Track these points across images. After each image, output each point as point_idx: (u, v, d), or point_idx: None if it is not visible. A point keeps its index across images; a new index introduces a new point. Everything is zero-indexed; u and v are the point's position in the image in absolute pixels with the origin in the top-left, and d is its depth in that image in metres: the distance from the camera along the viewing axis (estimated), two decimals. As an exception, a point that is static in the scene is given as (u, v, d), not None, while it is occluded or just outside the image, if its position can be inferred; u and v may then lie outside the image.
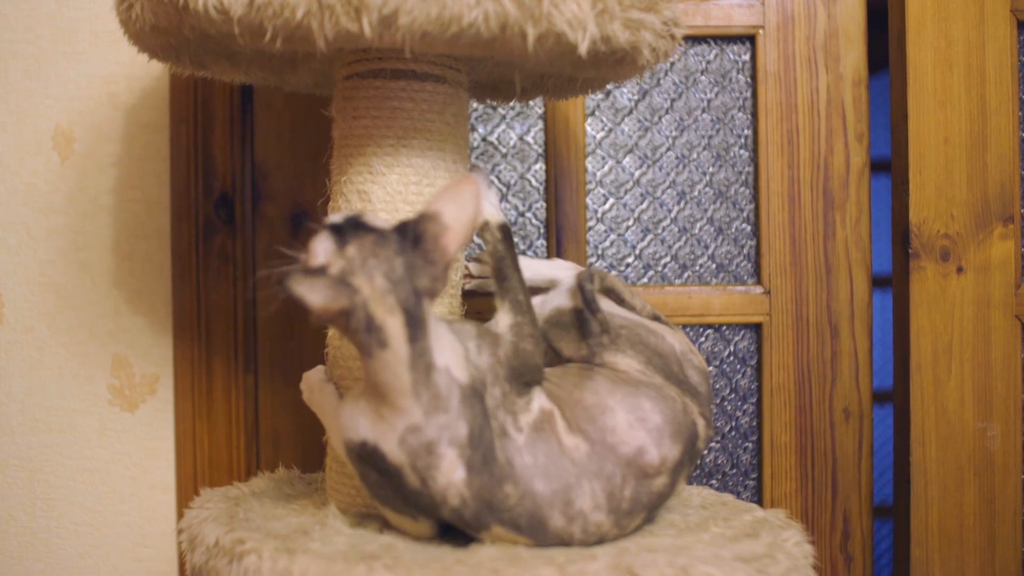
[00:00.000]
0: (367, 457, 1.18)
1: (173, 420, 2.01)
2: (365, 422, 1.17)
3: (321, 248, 1.12)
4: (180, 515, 1.91)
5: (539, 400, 1.26)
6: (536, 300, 1.44)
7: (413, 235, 1.14)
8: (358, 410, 1.18)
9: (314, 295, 1.07)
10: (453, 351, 1.19)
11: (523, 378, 1.25)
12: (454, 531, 1.24)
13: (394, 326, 1.11)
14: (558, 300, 1.44)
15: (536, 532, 1.21)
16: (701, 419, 1.33)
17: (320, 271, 1.10)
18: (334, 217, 1.15)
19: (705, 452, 2.03)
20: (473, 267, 1.49)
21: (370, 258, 1.10)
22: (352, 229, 1.13)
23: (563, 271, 1.50)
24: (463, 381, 1.18)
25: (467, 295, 1.51)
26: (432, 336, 1.16)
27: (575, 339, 1.38)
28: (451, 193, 1.16)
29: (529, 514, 1.20)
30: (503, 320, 1.30)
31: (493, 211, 1.35)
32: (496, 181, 2.06)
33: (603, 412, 1.25)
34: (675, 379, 1.34)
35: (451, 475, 1.16)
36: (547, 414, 1.25)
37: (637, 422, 1.25)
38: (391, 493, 1.20)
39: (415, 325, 1.12)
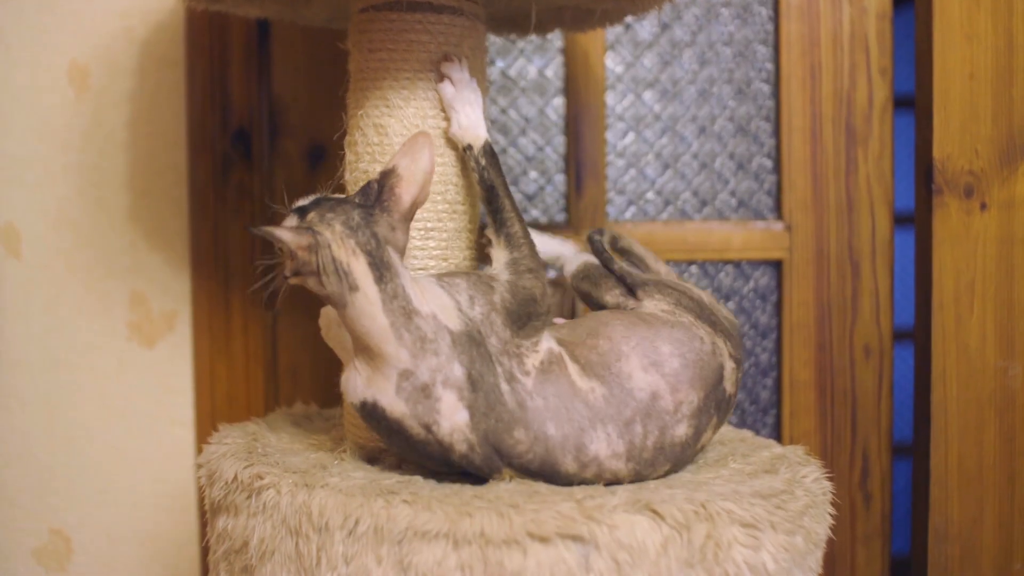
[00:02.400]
0: (371, 415, 1.18)
1: (191, 356, 2.01)
2: (361, 381, 1.18)
3: (287, 223, 1.19)
4: (198, 450, 1.92)
5: (547, 343, 1.25)
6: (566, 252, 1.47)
7: (374, 191, 1.21)
8: (354, 372, 1.20)
9: (283, 233, 1.14)
10: (440, 302, 1.21)
11: (526, 316, 1.25)
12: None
13: (359, 267, 1.15)
14: (585, 256, 1.44)
15: (549, 478, 1.21)
16: (731, 361, 1.32)
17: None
18: (299, 201, 1.22)
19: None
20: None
21: (327, 213, 1.17)
22: (313, 204, 1.20)
23: (570, 248, 1.50)
24: (454, 328, 1.19)
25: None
26: (406, 283, 1.18)
27: (611, 287, 1.38)
28: (406, 147, 1.22)
29: (541, 459, 1.20)
30: (499, 257, 1.30)
31: (476, 130, 1.36)
32: (516, 115, 2.04)
33: (618, 358, 1.24)
34: (707, 319, 1.32)
35: (453, 418, 1.16)
36: (556, 356, 1.24)
37: (652, 366, 1.24)
38: (405, 448, 1.20)
39: (380, 267, 1.16)
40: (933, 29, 1.89)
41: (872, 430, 2.03)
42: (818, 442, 2.03)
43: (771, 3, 2.05)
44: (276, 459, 1.29)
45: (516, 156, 2.05)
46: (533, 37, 2.01)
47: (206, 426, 1.98)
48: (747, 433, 1.54)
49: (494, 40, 2.03)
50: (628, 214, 2.06)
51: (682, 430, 1.25)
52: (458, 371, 1.16)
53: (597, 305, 1.38)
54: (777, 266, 2.05)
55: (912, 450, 1.99)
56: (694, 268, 2.07)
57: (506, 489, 1.17)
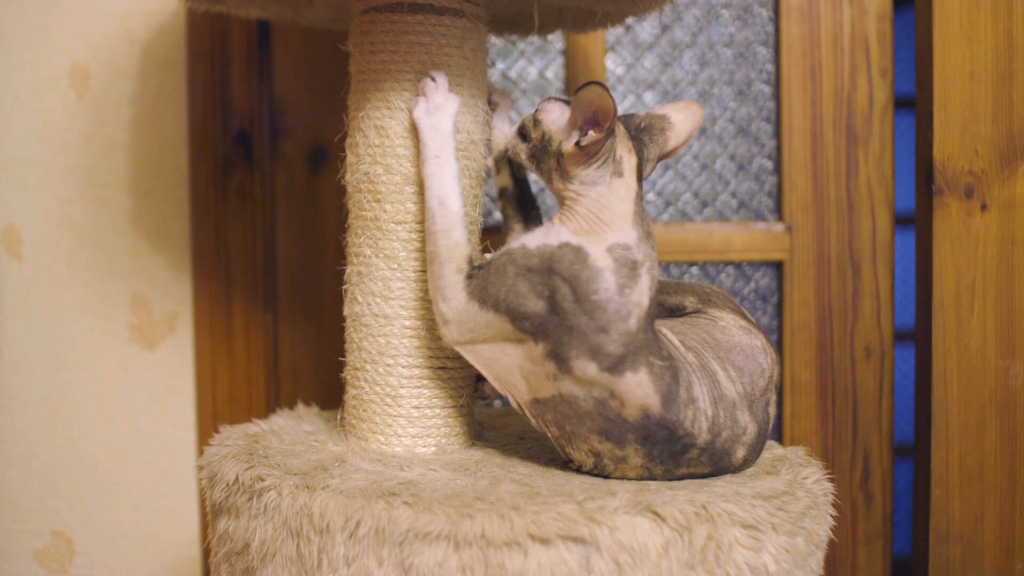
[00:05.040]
0: (560, 258, 1.23)
1: (192, 358, 2.01)
2: (568, 233, 1.25)
3: (554, 106, 1.29)
4: (200, 452, 1.93)
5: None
6: None
7: (636, 124, 1.32)
8: (558, 228, 1.26)
9: (611, 108, 1.21)
10: None
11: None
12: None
13: (630, 162, 1.27)
14: None
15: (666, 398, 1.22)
16: (773, 394, 1.36)
17: None
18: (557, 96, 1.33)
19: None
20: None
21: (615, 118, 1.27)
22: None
23: None
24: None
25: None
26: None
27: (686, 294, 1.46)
28: (682, 106, 1.37)
29: (671, 376, 1.22)
30: None
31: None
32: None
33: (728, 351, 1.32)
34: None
35: (642, 297, 1.23)
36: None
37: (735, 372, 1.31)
38: (573, 302, 1.21)
39: (640, 173, 1.29)
40: (933, 30, 1.89)
41: (873, 431, 2.03)
42: (819, 443, 2.03)
43: (771, 4, 2.06)
44: (277, 461, 1.29)
45: (517, 157, 2.05)
46: (534, 39, 2.01)
47: (207, 427, 1.99)
48: (748, 434, 1.54)
49: (495, 42, 2.03)
50: (629, 215, 2.06)
51: (741, 453, 1.29)
52: (657, 270, 1.27)
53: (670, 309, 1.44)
54: (778, 267, 2.05)
55: (913, 451, 1.99)
56: (695, 269, 2.07)
57: (507, 491, 1.17)
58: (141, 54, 2.00)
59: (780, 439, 2.04)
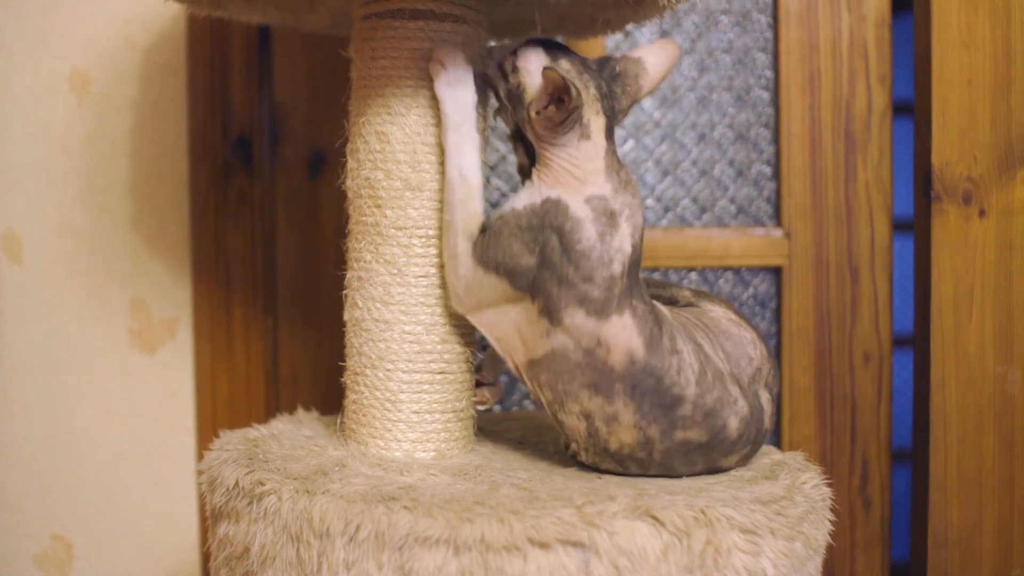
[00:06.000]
0: (544, 213, 1.27)
1: (192, 362, 2.02)
2: (547, 188, 1.29)
3: (534, 54, 1.31)
4: (199, 457, 1.92)
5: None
6: None
7: (612, 70, 1.34)
8: (538, 185, 1.30)
9: (572, 88, 1.23)
10: None
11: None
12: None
13: (597, 123, 1.29)
14: None
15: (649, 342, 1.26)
16: (766, 392, 1.38)
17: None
18: (532, 36, 1.34)
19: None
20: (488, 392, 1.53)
21: (583, 73, 1.30)
22: (557, 48, 1.32)
23: None
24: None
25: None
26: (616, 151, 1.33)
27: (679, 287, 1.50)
28: (656, 47, 1.37)
29: (653, 321, 1.27)
30: None
31: None
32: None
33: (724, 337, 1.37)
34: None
35: (623, 243, 1.26)
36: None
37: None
38: (559, 253, 1.25)
39: (610, 131, 1.31)
40: (932, 36, 1.90)
41: (871, 436, 2.03)
42: (817, 448, 2.03)
43: (770, 10, 2.06)
44: (277, 465, 1.29)
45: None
46: (533, 44, 2.01)
47: (207, 432, 1.99)
48: (747, 439, 1.54)
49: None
50: (628, 220, 2.06)
51: (735, 423, 1.30)
52: (638, 218, 1.29)
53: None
54: (776, 273, 2.06)
55: (911, 456, 2.00)
56: (694, 275, 2.07)
57: (506, 495, 1.17)
58: (142, 59, 2.00)
59: (779, 444, 2.04)
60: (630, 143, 2.05)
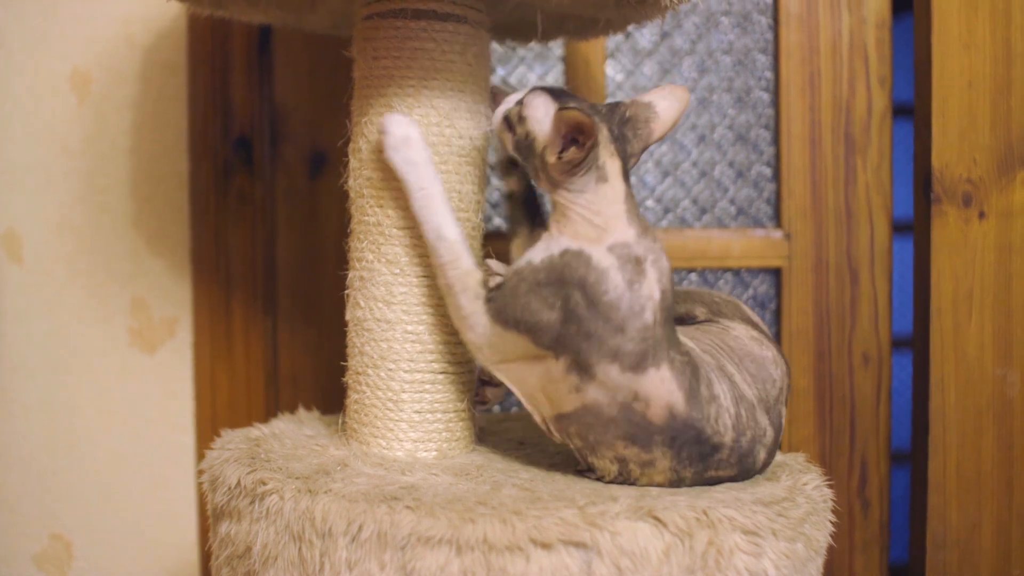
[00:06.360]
0: (564, 265, 1.23)
1: (192, 362, 2.02)
2: (567, 240, 1.25)
3: (540, 101, 1.28)
4: (199, 456, 1.93)
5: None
6: None
7: (622, 115, 1.30)
8: (557, 236, 1.27)
9: (590, 129, 1.22)
10: None
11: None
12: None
13: (613, 166, 1.27)
14: None
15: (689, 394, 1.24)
16: (784, 407, 1.38)
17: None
18: (536, 86, 1.32)
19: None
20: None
21: (595, 116, 1.27)
22: (563, 95, 1.30)
23: None
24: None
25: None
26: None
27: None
28: (666, 91, 1.34)
29: (691, 372, 1.24)
30: None
31: None
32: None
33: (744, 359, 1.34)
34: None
35: (652, 290, 1.23)
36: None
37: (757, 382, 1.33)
38: (584, 306, 1.22)
39: (626, 174, 1.28)
40: (932, 38, 1.90)
41: (871, 437, 2.03)
42: (816, 449, 2.03)
43: (771, 12, 2.06)
44: (279, 465, 1.29)
45: (516, 163, 2.05)
46: (534, 45, 2.01)
47: (206, 432, 1.99)
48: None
49: (495, 48, 2.04)
50: (628, 221, 2.06)
51: (762, 455, 1.31)
52: (664, 263, 1.26)
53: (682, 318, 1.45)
54: (776, 274, 2.06)
55: (910, 457, 2.00)
56: (693, 276, 2.07)
57: (509, 495, 1.17)
58: (142, 59, 2.00)
59: (778, 445, 2.04)
60: (630, 144, 2.05)
